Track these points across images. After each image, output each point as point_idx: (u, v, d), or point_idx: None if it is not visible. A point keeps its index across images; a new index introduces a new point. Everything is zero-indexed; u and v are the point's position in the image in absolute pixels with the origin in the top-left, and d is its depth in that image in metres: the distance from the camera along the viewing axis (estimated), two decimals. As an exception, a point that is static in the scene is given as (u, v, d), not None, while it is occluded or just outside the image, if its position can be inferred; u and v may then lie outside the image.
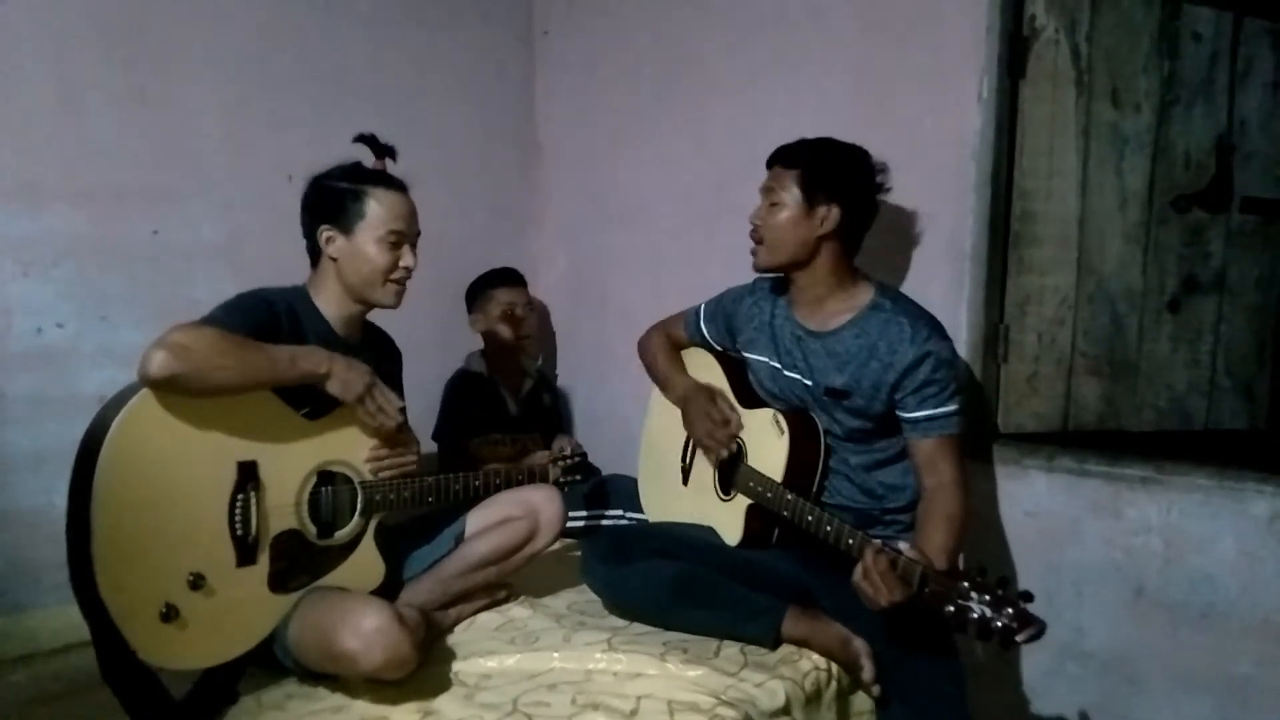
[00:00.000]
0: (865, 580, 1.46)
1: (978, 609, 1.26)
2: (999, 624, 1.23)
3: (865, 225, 1.83)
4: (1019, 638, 1.22)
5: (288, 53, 2.35)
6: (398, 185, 1.74)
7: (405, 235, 1.72)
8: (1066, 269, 2.08)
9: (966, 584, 1.29)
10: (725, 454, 1.87)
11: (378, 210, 1.69)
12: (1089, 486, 1.94)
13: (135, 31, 2.09)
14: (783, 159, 1.82)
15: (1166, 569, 1.86)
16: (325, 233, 1.69)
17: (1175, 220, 2.15)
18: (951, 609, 1.29)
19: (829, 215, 1.76)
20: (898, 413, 1.73)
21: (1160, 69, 2.09)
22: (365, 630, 1.44)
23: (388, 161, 1.77)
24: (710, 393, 1.96)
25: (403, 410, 1.68)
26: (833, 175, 1.77)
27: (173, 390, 1.42)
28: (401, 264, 1.71)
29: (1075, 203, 2.07)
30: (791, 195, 1.77)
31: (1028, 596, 1.25)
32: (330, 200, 1.70)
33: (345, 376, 1.59)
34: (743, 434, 1.90)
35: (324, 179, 1.72)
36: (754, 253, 1.84)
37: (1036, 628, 1.22)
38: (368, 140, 1.76)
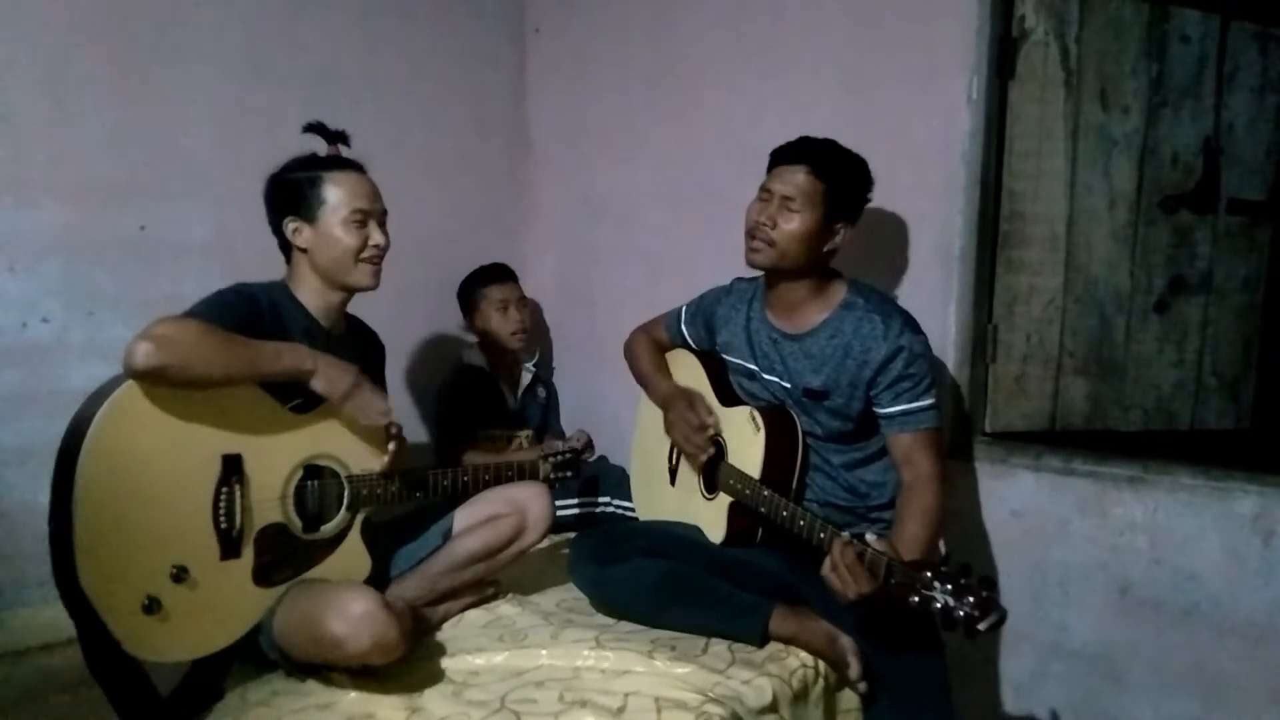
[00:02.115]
0: (834, 572, 1.46)
1: (940, 598, 1.26)
2: (961, 613, 1.23)
3: None
4: (981, 625, 1.21)
5: (278, 48, 2.34)
6: (354, 166, 1.73)
7: (369, 213, 1.71)
8: (1054, 269, 2.09)
9: (929, 573, 1.29)
10: (703, 458, 1.88)
11: (337, 192, 1.68)
12: (1075, 486, 1.95)
13: (124, 26, 2.08)
14: (809, 163, 1.72)
15: (1152, 568, 1.87)
16: (291, 224, 1.69)
17: (1163, 221, 2.17)
18: (916, 599, 1.29)
19: (843, 234, 1.76)
20: (874, 408, 1.73)
21: (1149, 71, 2.10)
22: (352, 614, 1.44)
23: (340, 147, 1.76)
24: (689, 397, 1.94)
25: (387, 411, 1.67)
26: (857, 198, 1.77)
27: (157, 382, 1.42)
28: (371, 242, 1.70)
29: (1063, 204, 2.08)
30: (813, 208, 1.71)
31: (989, 584, 1.25)
32: (289, 192, 1.69)
33: (330, 375, 1.59)
34: (724, 432, 1.90)
35: (280, 174, 1.72)
36: (755, 249, 1.75)
37: (997, 615, 1.22)
38: (317, 128, 1.75)
